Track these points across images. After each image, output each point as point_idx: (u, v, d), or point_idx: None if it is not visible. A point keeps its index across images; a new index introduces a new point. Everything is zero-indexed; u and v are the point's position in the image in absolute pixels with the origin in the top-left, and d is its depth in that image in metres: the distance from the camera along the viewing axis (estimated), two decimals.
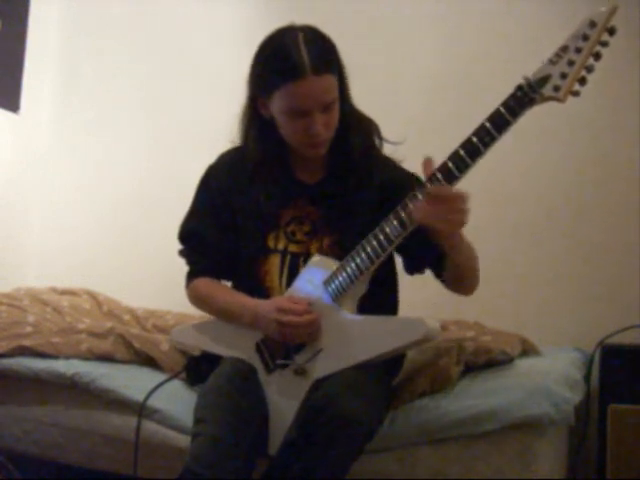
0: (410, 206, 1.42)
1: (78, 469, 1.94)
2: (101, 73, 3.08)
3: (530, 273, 2.42)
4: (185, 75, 2.93)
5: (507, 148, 2.09)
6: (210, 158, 1.79)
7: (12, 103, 2.92)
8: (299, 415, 1.50)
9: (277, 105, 1.56)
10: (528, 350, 1.99)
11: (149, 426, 1.78)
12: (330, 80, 1.53)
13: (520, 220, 2.44)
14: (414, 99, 2.58)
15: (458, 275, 1.58)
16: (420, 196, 1.41)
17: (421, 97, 2.59)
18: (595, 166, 2.36)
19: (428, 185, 1.40)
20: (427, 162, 1.42)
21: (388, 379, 1.71)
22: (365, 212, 1.61)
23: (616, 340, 2.06)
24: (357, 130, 1.64)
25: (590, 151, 2.37)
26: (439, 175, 1.40)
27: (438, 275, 1.63)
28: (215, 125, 2.69)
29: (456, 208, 1.38)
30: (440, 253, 1.52)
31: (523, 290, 2.42)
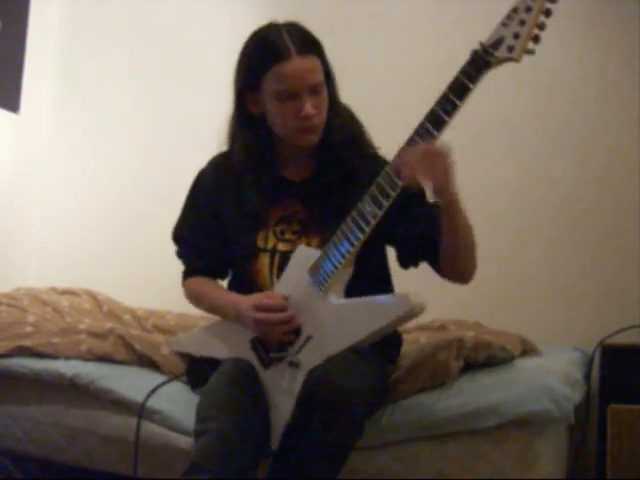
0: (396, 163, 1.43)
1: (78, 469, 1.94)
2: (101, 73, 3.08)
3: (530, 273, 2.42)
4: (185, 74, 2.93)
5: (507, 149, 2.11)
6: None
7: (12, 103, 2.91)
8: (296, 405, 1.50)
9: (266, 92, 1.57)
10: (528, 350, 1.98)
11: (149, 427, 1.78)
12: (315, 62, 1.56)
13: (520, 220, 2.44)
14: (413, 99, 2.58)
15: (453, 256, 1.54)
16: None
17: (421, 98, 2.58)
18: (595, 166, 2.36)
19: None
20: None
21: (384, 362, 1.69)
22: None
23: (616, 340, 2.06)
24: (344, 126, 1.64)
25: (590, 151, 2.37)
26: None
27: (433, 264, 1.61)
28: (216, 124, 2.70)
29: (436, 154, 1.39)
30: (435, 240, 1.53)
31: (523, 290, 2.42)
